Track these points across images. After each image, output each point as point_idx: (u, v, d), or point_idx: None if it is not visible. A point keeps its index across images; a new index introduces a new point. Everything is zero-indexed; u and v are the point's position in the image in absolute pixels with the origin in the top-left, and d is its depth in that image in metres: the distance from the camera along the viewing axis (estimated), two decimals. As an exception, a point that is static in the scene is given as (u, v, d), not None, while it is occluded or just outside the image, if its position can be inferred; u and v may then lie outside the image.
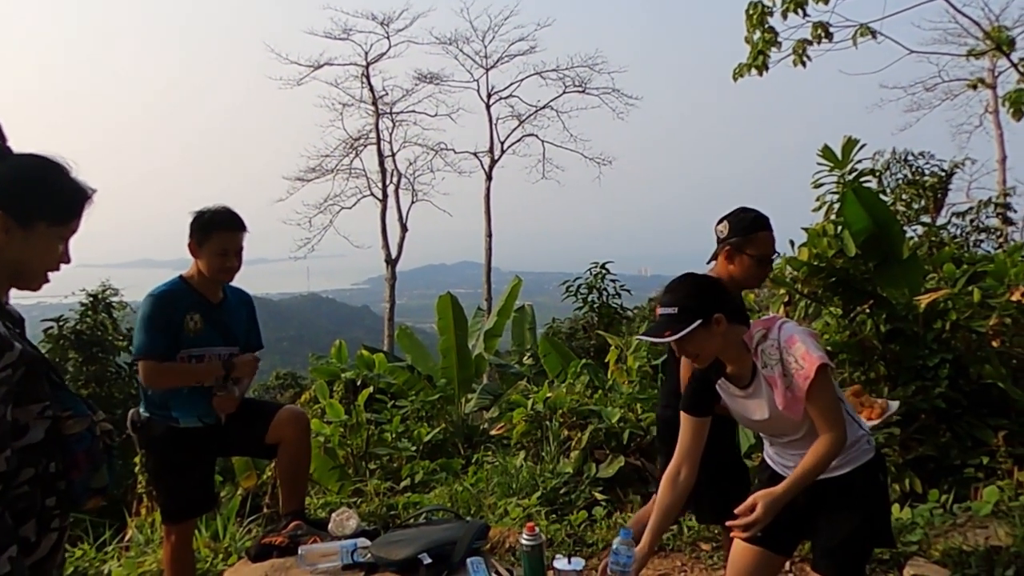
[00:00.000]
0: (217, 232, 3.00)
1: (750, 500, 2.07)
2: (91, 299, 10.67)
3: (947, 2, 6.28)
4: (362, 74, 24.18)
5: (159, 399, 3.03)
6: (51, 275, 1.62)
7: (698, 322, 2.09)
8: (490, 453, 5.99)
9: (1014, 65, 5.68)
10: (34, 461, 1.49)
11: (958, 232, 13.14)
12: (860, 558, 2.27)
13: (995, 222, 13.93)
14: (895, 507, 3.89)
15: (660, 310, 2.19)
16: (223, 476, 6.60)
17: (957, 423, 4.53)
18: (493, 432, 6.71)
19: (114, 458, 1.70)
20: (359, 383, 8.40)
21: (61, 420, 1.54)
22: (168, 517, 3.11)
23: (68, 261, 1.62)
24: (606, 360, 7.13)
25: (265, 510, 5.32)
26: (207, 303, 3.09)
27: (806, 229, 5.03)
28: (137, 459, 5.40)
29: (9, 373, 1.41)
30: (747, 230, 2.80)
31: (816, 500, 2.21)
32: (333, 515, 2.96)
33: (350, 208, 24.93)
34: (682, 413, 2.37)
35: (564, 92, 24.73)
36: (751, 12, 6.38)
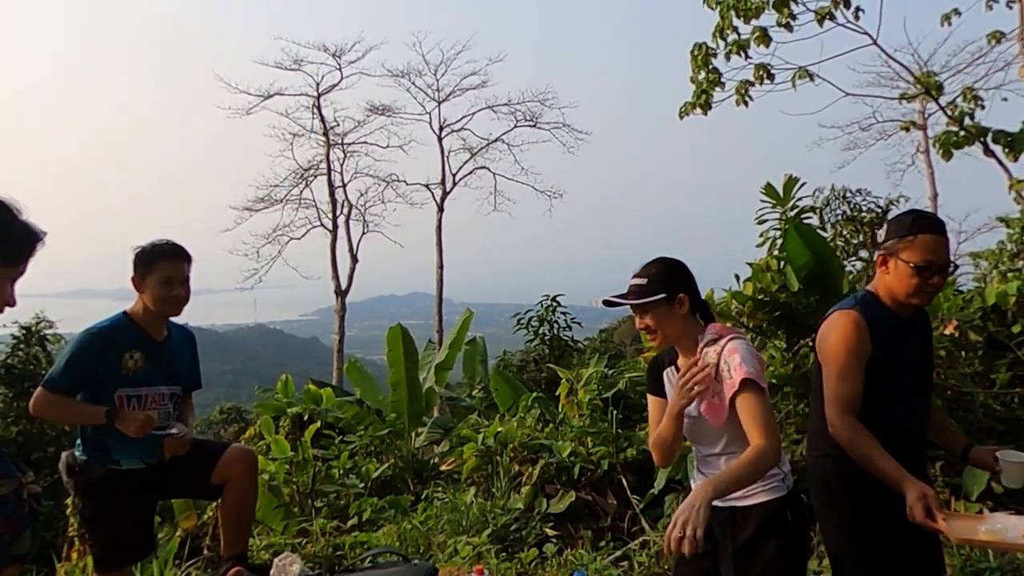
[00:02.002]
0: (160, 261, 2.94)
1: (673, 519, 1.88)
2: (24, 331, 10.24)
3: (879, 48, 6.56)
4: (313, 105, 24.10)
5: (97, 440, 2.90)
6: None
7: (662, 295, 2.23)
8: (440, 489, 5.89)
9: (942, 108, 5.97)
10: None
11: (894, 266, 13.61)
12: None
13: (928, 257, 14.48)
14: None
15: (632, 280, 2.31)
16: (161, 516, 6.34)
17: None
18: (443, 468, 6.61)
19: (39, 523, 1.61)
20: (306, 418, 8.21)
21: None
22: (102, 567, 2.96)
23: (14, 304, 1.57)
24: (557, 393, 7.13)
25: (206, 552, 5.12)
26: (150, 341, 2.99)
27: (750, 264, 5.16)
28: (69, 500, 5.16)
29: None
30: (905, 232, 2.33)
31: (722, 536, 2.23)
32: (275, 560, 2.87)
33: (299, 239, 24.65)
34: (648, 395, 2.49)
35: (515, 126, 25.06)
36: (696, 53, 6.58)
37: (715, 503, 2.02)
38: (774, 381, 4.98)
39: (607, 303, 2.36)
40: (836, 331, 2.31)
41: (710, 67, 6.59)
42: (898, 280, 2.33)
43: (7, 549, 1.50)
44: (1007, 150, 5.20)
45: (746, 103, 6.58)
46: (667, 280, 2.26)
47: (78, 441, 2.95)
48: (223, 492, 3.08)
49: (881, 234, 2.47)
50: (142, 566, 4.00)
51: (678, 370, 2.33)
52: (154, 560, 4.14)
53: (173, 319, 3.10)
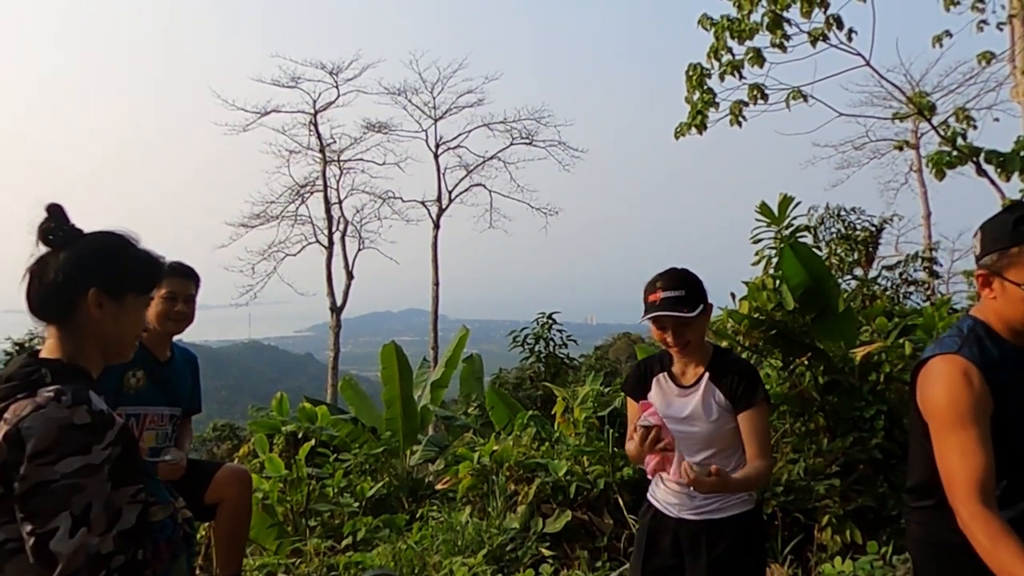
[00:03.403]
0: (168, 278, 2.94)
1: (713, 468, 2.01)
2: (16, 348, 10.20)
3: (872, 68, 6.62)
4: (310, 122, 24.21)
5: None
6: None
7: (702, 306, 2.24)
8: (435, 508, 5.85)
9: (935, 128, 6.01)
10: (124, 548, 1.40)
11: (888, 284, 13.68)
12: None
13: (923, 275, 14.58)
14: (837, 559, 3.93)
15: (663, 293, 2.24)
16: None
17: (893, 473, 4.64)
18: (439, 486, 6.57)
19: (192, 548, 1.63)
20: (300, 436, 8.17)
21: (148, 506, 1.48)
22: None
23: (148, 329, 1.63)
24: (553, 412, 7.10)
25: (198, 572, 5.07)
26: (153, 360, 2.98)
27: (746, 283, 5.17)
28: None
29: (110, 452, 1.38)
30: (1007, 243, 1.77)
31: (694, 548, 2.28)
32: (269, 581, 2.84)
33: (295, 255, 24.69)
34: (627, 397, 2.49)
35: (511, 144, 25.23)
36: (691, 73, 6.62)
37: (687, 516, 2.26)
38: (770, 400, 4.98)
39: (668, 315, 2.23)
40: (941, 386, 1.76)
41: (705, 87, 6.64)
42: (1010, 306, 1.78)
43: (167, 574, 1.51)
44: (999, 170, 5.24)
45: (740, 123, 6.63)
46: (700, 291, 2.29)
47: None
48: (216, 512, 3.06)
49: (975, 245, 1.87)
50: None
51: (671, 376, 2.37)
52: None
53: (178, 341, 3.10)
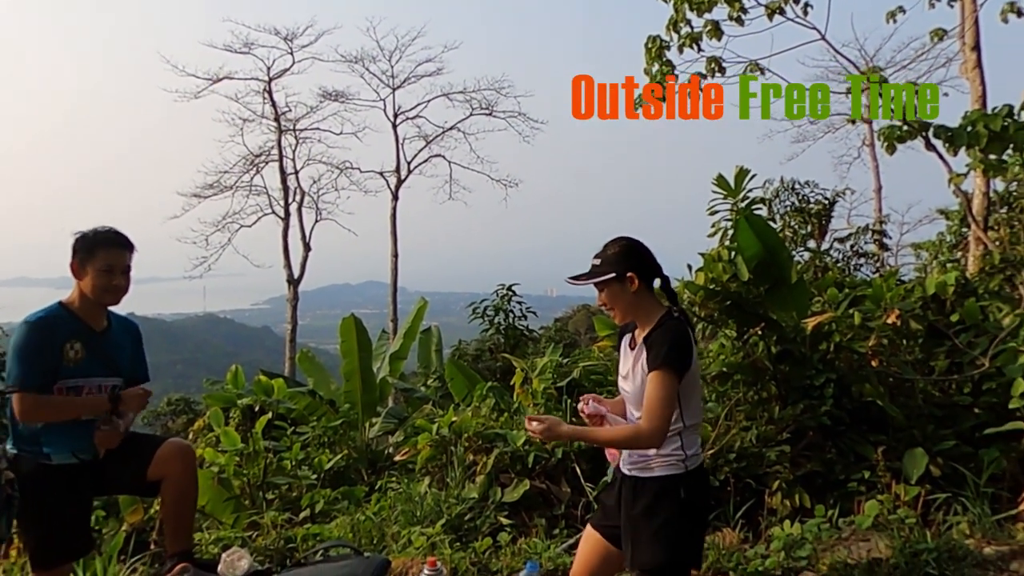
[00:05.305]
0: (102, 249, 2.85)
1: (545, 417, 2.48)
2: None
3: (827, 43, 6.70)
4: (264, 89, 23.57)
5: (29, 433, 2.79)
6: None
7: (612, 275, 2.41)
8: (394, 479, 5.86)
9: (883, 99, 6.12)
10: None
11: (840, 257, 14.01)
12: (668, 573, 2.40)
13: (873, 247, 14.96)
14: (787, 523, 4.05)
15: (592, 260, 2.49)
16: (106, 511, 6.15)
17: (841, 439, 4.78)
18: (398, 458, 6.57)
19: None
20: (257, 409, 8.07)
21: None
22: (38, 565, 2.84)
23: None
24: (512, 383, 7.13)
25: (152, 547, 4.99)
26: (89, 331, 2.89)
27: (702, 254, 5.22)
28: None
29: None
30: None
31: (625, 502, 2.47)
32: (223, 556, 2.81)
33: (250, 226, 24.13)
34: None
35: (471, 114, 24.90)
36: (650, 46, 6.62)
37: (623, 471, 2.50)
38: (724, 369, 5.07)
39: (570, 281, 2.53)
40: None
41: (664, 59, 6.65)
42: None
43: None
44: (947, 144, 5.37)
45: (698, 95, 6.66)
46: (618, 260, 2.44)
47: (9, 434, 2.83)
48: (160, 489, 3.00)
49: None
50: (85, 563, 3.88)
51: (632, 337, 2.53)
52: (98, 557, 4.02)
53: (114, 309, 3.00)
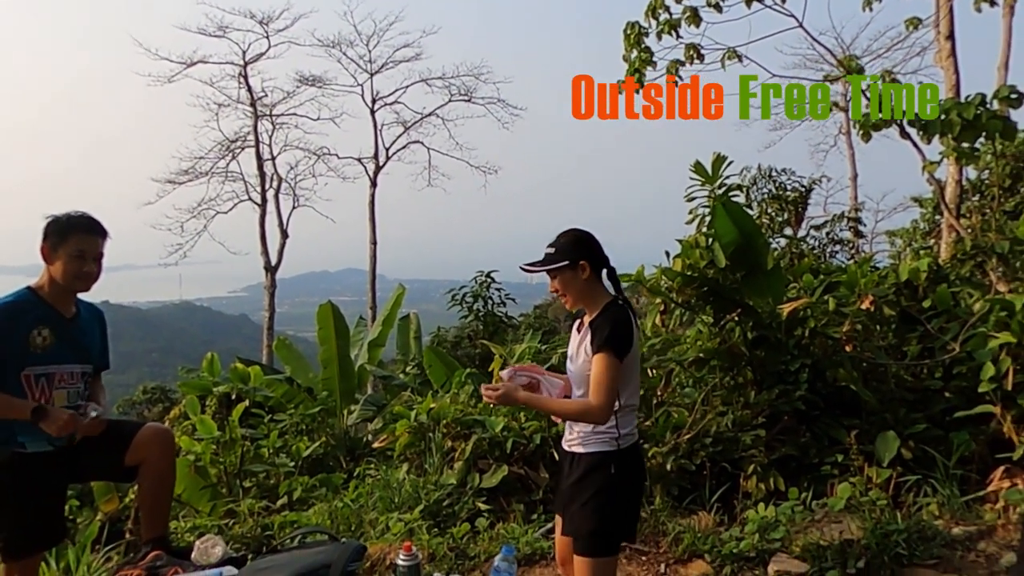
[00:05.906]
0: (75, 234, 2.79)
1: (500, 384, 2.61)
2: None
3: (805, 31, 6.73)
4: (239, 74, 23.22)
5: (2, 422, 2.74)
6: None
7: (565, 263, 2.53)
8: (373, 466, 5.84)
9: (863, 91, 6.16)
10: None
11: (816, 244, 14.15)
12: (595, 542, 2.50)
13: (848, 235, 15.12)
14: (761, 506, 4.10)
15: (545, 249, 2.61)
16: (80, 500, 6.09)
17: (815, 423, 4.85)
18: (376, 445, 6.56)
19: None
20: (234, 397, 8.01)
21: None
22: (9, 554, 2.79)
23: None
24: (490, 369, 7.14)
25: (128, 536, 4.95)
26: (58, 317, 2.84)
27: (680, 241, 5.25)
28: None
29: None
30: None
31: (564, 475, 2.62)
32: (197, 543, 2.79)
33: (226, 213, 23.85)
34: None
35: (450, 100, 24.72)
36: (628, 32, 6.61)
37: (564, 447, 2.67)
38: (701, 355, 5.11)
39: (524, 268, 2.66)
40: None
41: (642, 46, 6.64)
42: None
43: None
44: (921, 133, 5.42)
45: (676, 83, 6.67)
46: (570, 249, 2.56)
47: None
48: (138, 474, 2.96)
49: None
50: (57, 552, 3.84)
51: (582, 325, 2.64)
52: (71, 546, 3.97)
53: (82, 296, 2.95)
